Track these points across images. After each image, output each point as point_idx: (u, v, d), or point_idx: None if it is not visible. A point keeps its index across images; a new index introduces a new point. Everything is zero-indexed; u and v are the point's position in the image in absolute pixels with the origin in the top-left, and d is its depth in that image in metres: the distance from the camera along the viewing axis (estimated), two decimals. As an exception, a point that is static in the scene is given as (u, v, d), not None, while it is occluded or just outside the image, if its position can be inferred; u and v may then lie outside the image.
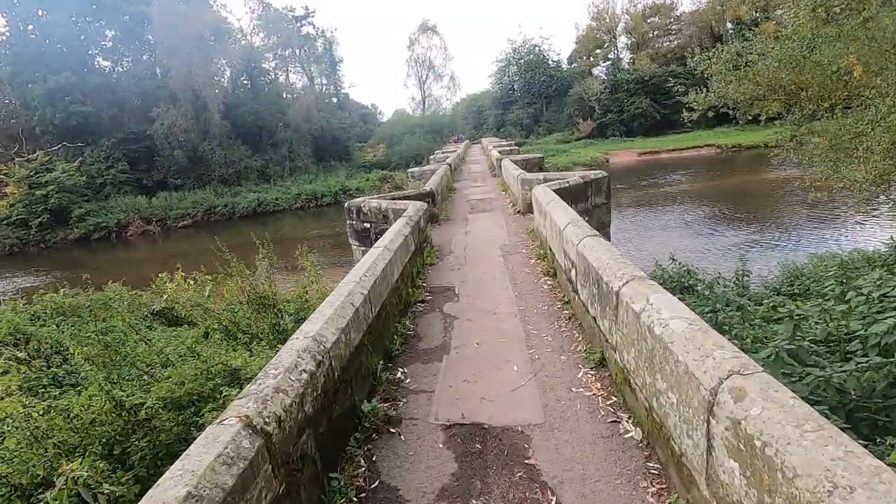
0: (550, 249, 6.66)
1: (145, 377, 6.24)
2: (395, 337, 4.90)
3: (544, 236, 7.26)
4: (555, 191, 8.26)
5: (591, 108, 56.38)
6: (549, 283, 6.31)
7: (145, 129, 44.40)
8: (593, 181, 9.16)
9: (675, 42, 61.42)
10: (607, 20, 62.76)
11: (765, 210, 27.01)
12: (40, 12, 45.59)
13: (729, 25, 56.86)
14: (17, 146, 43.45)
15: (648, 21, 63.19)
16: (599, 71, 62.55)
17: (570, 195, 8.68)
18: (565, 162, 47.11)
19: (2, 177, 40.07)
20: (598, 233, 4.87)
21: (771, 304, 10.09)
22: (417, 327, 5.34)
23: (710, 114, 18.59)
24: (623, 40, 64.49)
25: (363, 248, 9.62)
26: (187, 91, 44.02)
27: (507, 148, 23.90)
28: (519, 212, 10.77)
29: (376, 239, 9.43)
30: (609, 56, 63.49)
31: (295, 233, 37.09)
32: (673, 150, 48.93)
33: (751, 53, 15.56)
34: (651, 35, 63.51)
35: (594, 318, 4.27)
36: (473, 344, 4.82)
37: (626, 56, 63.23)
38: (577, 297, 4.98)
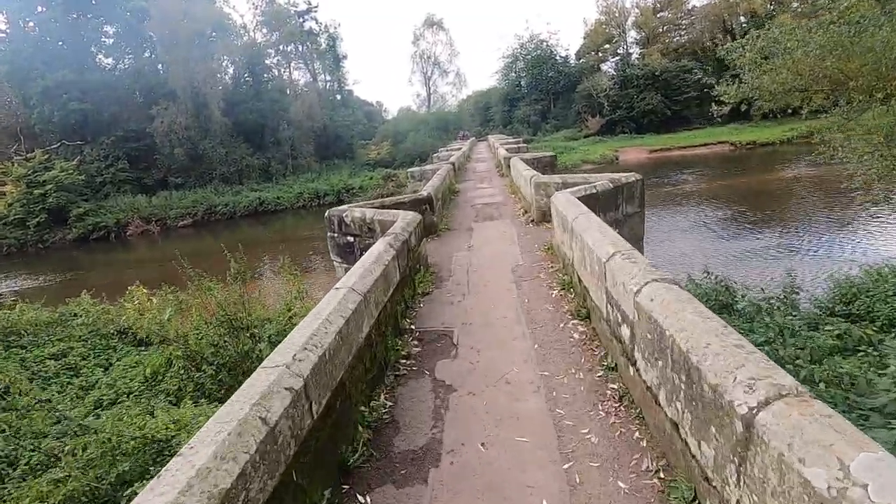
0: (580, 280, 4.93)
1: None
2: (358, 432, 3.18)
3: (569, 259, 5.53)
4: (580, 198, 6.52)
5: (600, 104, 54.26)
6: (579, 328, 4.57)
7: (145, 127, 42.96)
8: (625, 186, 7.38)
9: (687, 37, 59.04)
10: (616, 14, 60.47)
11: (786, 211, 24.98)
12: (39, 8, 44.18)
13: (742, 19, 54.45)
14: (16, 144, 42.14)
15: (658, 15, 60.81)
16: (608, 66, 60.32)
17: (598, 203, 6.93)
18: (574, 160, 45.19)
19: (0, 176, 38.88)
20: (668, 276, 3.13)
21: (835, 332, 8.25)
22: (396, 406, 3.62)
23: (743, 107, 16.83)
24: (633, 35, 62.16)
25: (346, 266, 7.92)
26: (187, 88, 42.49)
27: (515, 146, 22.10)
28: (532, 220, 9.01)
29: (361, 256, 7.75)
30: (618, 51, 61.18)
31: (297, 232, 35.57)
32: (685, 148, 46.81)
33: (790, 40, 13.68)
34: (661, 30, 61.12)
35: (675, 425, 2.54)
36: (476, 445, 3.11)
37: (635, 51, 60.94)
38: (632, 371, 3.25)
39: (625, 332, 3.41)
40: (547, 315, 4.97)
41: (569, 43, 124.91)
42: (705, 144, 46.80)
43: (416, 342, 4.66)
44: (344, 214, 7.57)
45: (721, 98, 16.41)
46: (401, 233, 5.64)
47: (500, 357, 4.20)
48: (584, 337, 4.40)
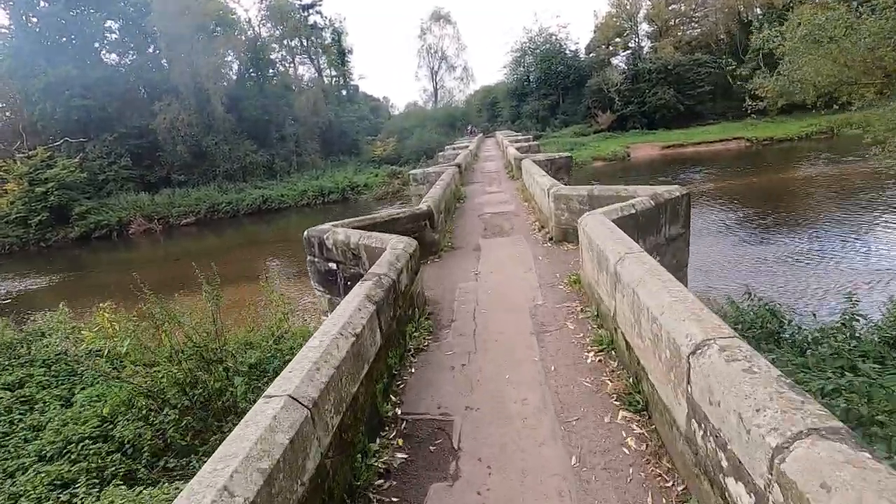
0: (628, 345, 3.51)
1: None
2: None
3: (608, 309, 4.10)
4: (616, 220, 5.07)
5: (611, 99, 52.29)
6: (634, 429, 3.13)
7: (148, 123, 41.83)
8: (668, 203, 5.89)
9: (700, 29, 56.77)
10: (628, 6, 58.21)
11: (812, 212, 23.12)
12: (42, 3, 43.05)
13: (758, 11, 52.11)
14: (19, 142, 41.13)
15: (671, 7, 58.50)
16: (619, 60, 58.23)
17: (637, 226, 5.46)
18: (585, 156, 43.48)
19: (1, 174, 37.91)
20: (836, 424, 1.68)
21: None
22: None
23: (781, 102, 15.20)
24: (644, 28, 59.90)
25: (329, 297, 6.52)
26: (190, 84, 41.22)
27: (526, 144, 20.54)
28: (551, 238, 7.55)
29: (346, 287, 6.33)
30: (629, 45, 59.01)
31: (300, 231, 34.23)
32: (699, 144, 44.87)
33: (836, 27, 12.02)
34: (674, 22, 58.83)
35: None
36: None
37: (646, 45, 58.73)
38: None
39: (740, 495, 1.97)
40: (584, 398, 3.53)
41: (578, 36, 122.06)
42: (720, 140, 44.83)
43: (400, 442, 3.24)
44: (325, 236, 6.16)
45: (756, 92, 14.79)
46: (387, 273, 4.21)
47: (521, 484, 2.77)
48: (643, 447, 2.96)
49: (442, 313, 5.35)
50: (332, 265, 6.18)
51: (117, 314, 9.58)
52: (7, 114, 43.82)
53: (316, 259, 6.45)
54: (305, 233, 6.60)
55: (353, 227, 6.46)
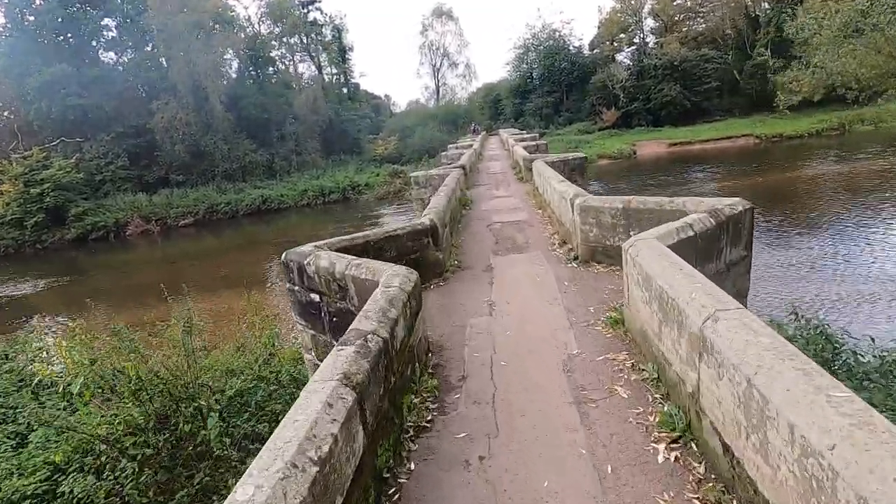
0: (725, 445, 2.32)
1: None
2: None
3: (687, 387, 2.91)
4: (673, 246, 3.86)
5: (616, 96, 50.87)
6: None
7: (146, 122, 40.69)
8: (730, 220, 4.69)
9: (706, 24, 55.22)
10: (632, 2, 56.69)
11: (832, 213, 21.62)
12: (37, 1, 41.87)
13: (766, 5, 50.56)
14: (14, 142, 40.06)
15: (676, 2, 56.95)
16: (623, 57, 56.72)
17: (696, 250, 4.25)
18: (590, 154, 42.03)
19: (-3, 174, 36.91)
20: None
21: None
22: None
23: (818, 96, 13.98)
24: (649, 23, 58.34)
25: (312, 333, 5.33)
26: (188, 82, 40.03)
27: (533, 144, 19.29)
28: (576, 258, 6.33)
29: (331, 323, 5.14)
30: (634, 41, 57.49)
31: (301, 231, 32.99)
32: (707, 141, 43.47)
33: (882, 12, 10.73)
34: (679, 17, 57.29)
35: None
36: None
37: (651, 40, 57.15)
38: None
39: None
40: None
41: (582, 32, 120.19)
42: (728, 138, 43.42)
43: None
44: (306, 261, 4.96)
45: (790, 86, 13.53)
46: (376, 330, 3.02)
47: None
48: None
49: (450, 365, 4.14)
50: (315, 296, 4.99)
51: (81, 339, 8.38)
52: (3, 114, 42.72)
53: (296, 287, 5.25)
54: (284, 255, 5.39)
55: (342, 248, 5.26)
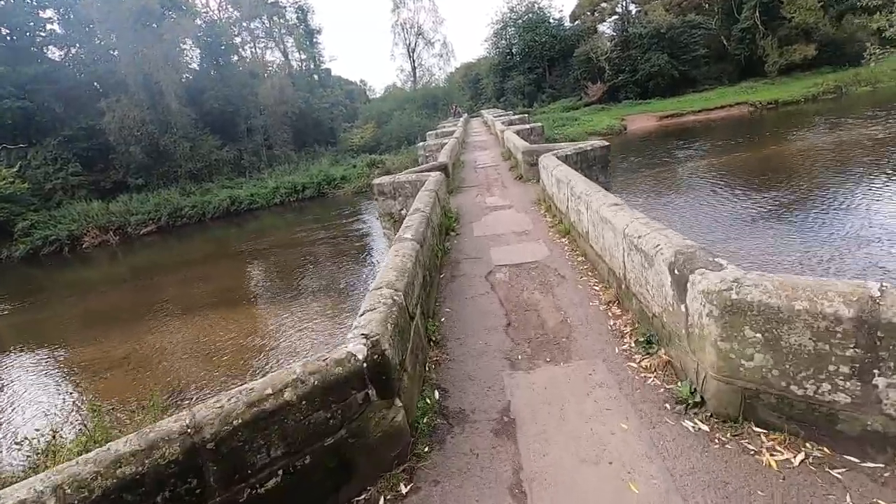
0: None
1: None
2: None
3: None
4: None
5: (601, 68, 46.84)
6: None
7: (96, 124, 35.82)
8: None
9: (690, -11, 50.92)
10: (613, -32, 52.10)
11: (848, 186, 17.84)
12: (-37, -7, 36.29)
13: (753, -35, 46.32)
14: (-51, 153, 35.00)
15: (658, -33, 52.42)
16: (606, 27, 52.36)
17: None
18: (578, 132, 38.26)
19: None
20: None
21: None
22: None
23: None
24: (631, -10, 53.85)
25: None
26: (138, 76, 35.11)
27: (526, 126, 15.50)
28: (700, 405, 2.67)
29: None
30: (616, 9, 53.05)
31: (278, 236, 28.83)
32: (699, 112, 39.90)
33: None
34: (662, -18, 52.85)
35: None
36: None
37: (634, 8, 52.75)
38: None
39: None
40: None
41: (562, 4, 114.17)
42: (721, 107, 39.86)
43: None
44: None
45: (884, 27, 9.90)
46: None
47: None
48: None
49: None
50: None
51: None
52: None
53: None
54: None
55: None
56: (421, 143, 17.69)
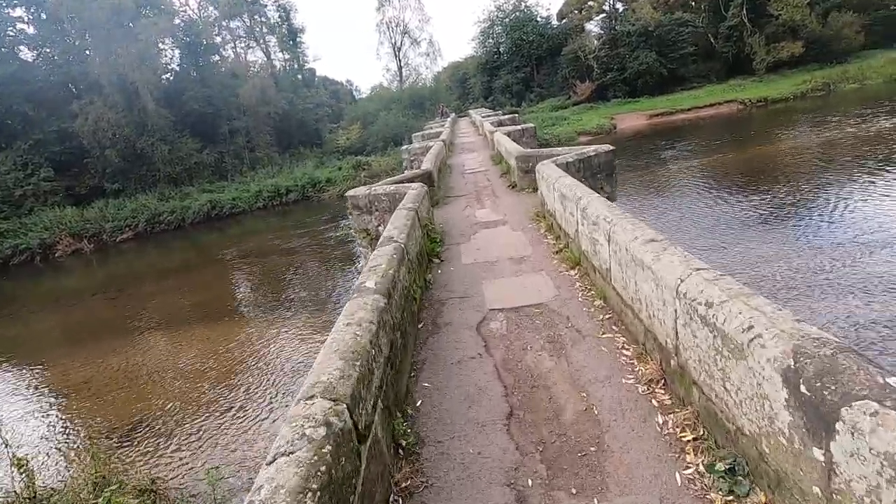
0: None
1: None
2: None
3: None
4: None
5: (589, 67, 45.79)
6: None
7: (69, 126, 33.89)
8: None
9: (678, -13, 50.00)
10: (599, -34, 50.98)
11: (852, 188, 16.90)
12: (-76, -9, 34.07)
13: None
14: (-88, 158, 32.88)
15: (644, -36, 51.42)
16: (594, 25, 51.27)
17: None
18: (567, 132, 37.17)
19: None
20: None
21: None
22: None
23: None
24: (618, -12, 52.78)
25: None
26: (112, 77, 33.24)
27: (518, 128, 14.24)
28: None
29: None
30: (604, 8, 51.96)
31: (260, 242, 27.25)
32: (689, 110, 39.07)
33: None
34: (649, -20, 51.85)
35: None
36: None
37: (621, 6, 51.70)
38: None
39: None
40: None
41: (549, 2, 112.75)
42: (711, 105, 39.02)
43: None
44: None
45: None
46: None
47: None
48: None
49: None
50: None
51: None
52: None
53: None
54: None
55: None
56: (405, 147, 16.34)
